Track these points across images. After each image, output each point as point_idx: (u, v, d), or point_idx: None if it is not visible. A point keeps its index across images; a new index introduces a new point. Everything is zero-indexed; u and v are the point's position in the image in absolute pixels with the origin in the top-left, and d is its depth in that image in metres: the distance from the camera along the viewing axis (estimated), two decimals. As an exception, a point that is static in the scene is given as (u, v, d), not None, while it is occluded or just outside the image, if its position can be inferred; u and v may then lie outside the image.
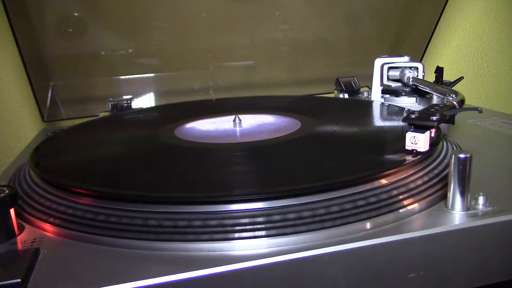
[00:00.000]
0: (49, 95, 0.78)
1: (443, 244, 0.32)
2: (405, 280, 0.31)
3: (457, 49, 1.06)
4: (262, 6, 0.84)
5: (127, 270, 0.28)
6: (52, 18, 0.73)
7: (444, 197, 0.36)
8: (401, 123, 0.50)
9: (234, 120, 0.56)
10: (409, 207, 0.34)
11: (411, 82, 0.62)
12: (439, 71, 0.62)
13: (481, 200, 0.34)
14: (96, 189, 0.36)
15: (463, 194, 0.33)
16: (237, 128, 0.55)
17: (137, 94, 0.83)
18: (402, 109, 0.59)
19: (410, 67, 0.64)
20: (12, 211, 0.33)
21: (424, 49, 0.95)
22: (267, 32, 0.86)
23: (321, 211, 0.32)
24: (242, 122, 0.56)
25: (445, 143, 0.45)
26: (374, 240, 0.30)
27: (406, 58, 0.66)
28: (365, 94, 0.76)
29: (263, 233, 0.30)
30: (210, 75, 0.87)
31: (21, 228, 0.35)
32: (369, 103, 0.67)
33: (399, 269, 0.31)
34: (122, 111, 0.74)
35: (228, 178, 0.39)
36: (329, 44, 0.92)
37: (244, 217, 0.31)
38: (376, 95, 0.67)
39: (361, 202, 0.33)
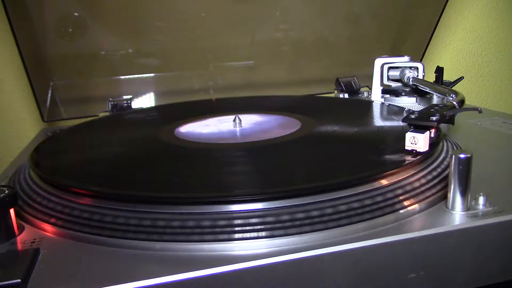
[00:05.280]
0: (49, 95, 0.78)
1: (443, 244, 0.32)
2: (405, 280, 0.31)
3: (457, 49, 1.06)
4: (262, 6, 0.84)
5: (127, 270, 0.28)
6: (52, 18, 0.73)
7: (444, 197, 0.36)
8: (401, 123, 0.49)
9: (234, 120, 0.56)
10: (409, 208, 0.34)
11: (411, 82, 0.62)
12: (439, 71, 0.62)
13: (481, 200, 0.34)
14: (96, 189, 0.36)
15: (463, 194, 0.33)
16: (237, 128, 0.55)
17: (137, 94, 0.83)
18: (402, 109, 0.59)
19: (410, 67, 0.64)
20: (12, 211, 0.33)
21: (424, 49, 0.95)
22: (267, 32, 0.86)
23: (321, 211, 0.32)
24: (242, 122, 0.56)
25: (445, 143, 0.45)
26: (374, 240, 0.30)
27: (406, 58, 0.66)
28: (365, 94, 0.76)
29: (263, 233, 0.30)
30: (210, 75, 0.87)
31: (21, 228, 0.35)
32: (369, 103, 0.67)
33: (399, 269, 0.31)
34: (122, 111, 0.74)
35: (228, 178, 0.39)
36: (329, 44, 0.92)
37: (244, 217, 0.31)
38: (376, 95, 0.67)
39: (361, 203, 0.33)
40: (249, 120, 0.58)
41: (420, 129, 0.40)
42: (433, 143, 0.40)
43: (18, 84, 0.79)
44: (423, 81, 0.60)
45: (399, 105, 0.62)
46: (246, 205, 0.32)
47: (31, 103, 0.79)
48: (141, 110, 0.76)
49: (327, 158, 0.43)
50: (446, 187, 0.36)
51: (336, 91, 0.78)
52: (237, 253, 0.29)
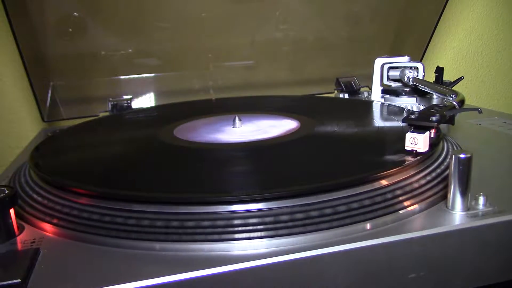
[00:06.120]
0: (49, 95, 0.78)
1: (443, 244, 0.32)
2: (405, 280, 0.31)
3: (457, 49, 1.06)
4: (262, 6, 0.84)
5: (127, 270, 0.28)
6: (52, 18, 0.73)
7: (444, 197, 0.36)
8: (401, 123, 0.49)
9: (234, 120, 0.56)
10: (409, 208, 0.34)
11: (411, 82, 0.62)
12: (439, 71, 0.62)
13: (481, 200, 0.34)
14: (96, 189, 0.36)
15: (463, 194, 0.33)
16: (237, 128, 0.55)
17: (137, 94, 0.83)
18: (402, 109, 0.59)
19: (410, 67, 0.64)
20: (12, 211, 0.33)
21: (424, 49, 0.95)
22: (267, 32, 0.86)
23: (321, 211, 0.32)
24: (242, 122, 0.56)
25: (445, 144, 0.45)
26: (374, 240, 0.30)
27: (406, 58, 0.66)
28: (365, 94, 0.76)
29: (263, 233, 0.30)
30: (210, 75, 0.87)
31: (21, 228, 0.35)
32: (369, 103, 0.67)
33: (399, 269, 0.31)
34: (122, 111, 0.74)
35: (228, 179, 0.39)
36: (329, 44, 0.92)
37: (244, 217, 0.31)
38: (376, 95, 0.67)
39: (361, 203, 0.33)
40: (249, 120, 0.58)
41: (420, 129, 0.40)
42: (433, 143, 0.40)
43: (18, 84, 0.79)
44: (423, 81, 0.60)
45: (399, 105, 0.62)
46: (245, 205, 0.32)
47: (31, 103, 0.79)
48: (141, 110, 0.76)
49: (327, 158, 0.43)
50: (446, 187, 0.36)
51: (336, 91, 0.78)
52: (237, 253, 0.29)
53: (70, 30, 0.75)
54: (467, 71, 1.08)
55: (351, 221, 0.32)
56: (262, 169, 0.41)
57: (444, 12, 0.90)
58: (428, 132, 0.40)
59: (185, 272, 0.27)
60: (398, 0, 0.92)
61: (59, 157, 0.49)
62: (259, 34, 0.86)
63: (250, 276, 0.28)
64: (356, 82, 0.77)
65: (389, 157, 0.41)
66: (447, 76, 0.66)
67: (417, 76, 0.63)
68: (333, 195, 0.33)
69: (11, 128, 0.81)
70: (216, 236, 0.30)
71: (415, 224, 0.32)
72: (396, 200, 0.34)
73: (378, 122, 0.55)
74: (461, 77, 0.66)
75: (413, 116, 0.41)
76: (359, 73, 0.81)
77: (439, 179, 0.38)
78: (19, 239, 0.33)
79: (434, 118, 0.40)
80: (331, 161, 0.41)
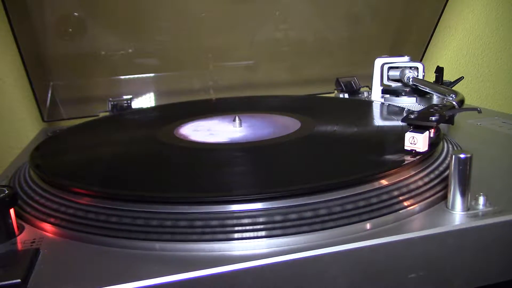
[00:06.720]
0: (49, 95, 0.78)
1: (443, 244, 0.32)
2: (405, 280, 0.31)
3: (457, 49, 1.06)
4: (262, 6, 0.84)
5: (127, 270, 0.28)
6: (52, 18, 0.73)
7: (445, 197, 0.36)
8: (400, 123, 0.49)
9: (234, 120, 0.56)
10: (409, 208, 0.34)
11: (411, 82, 0.62)
12: (439, 71, 0.62)
13: (481, 200, 0.34)
14: (96, 189, 0.36)
15: (463, 194, 0.33)
16: (237, 128, 0.55)
17: (137, 94, 0.83)
18: (402, 109, 0.59)
19: (410, 67, 0.64)
20: (12, 211, 0.33)
21: (424, 49, 0.95)
22: (267, 32, 0.86)
23: (321, 211, 0.32)
24: (242, 122, 0.56)
25: (445, 143, 0.45)
26: (374, 240, 0.30)
27: (406, 58, 0.66)
28: (365, 94, 0.76)
29: (263, 233, 0.30)
30: (210, 75, 0.87)
31: (21, 228, 0.35)
32: (369, 103, 0.67)
33: (399, 269, 0.31)
34: (122, 111, 0.74)
35: (228, 179, 0.39)
36: (329, 44, 0.92)
37: (244, 217, 0.31)
38: (376, 95, 0.67)
39: (361, 203, 0.33)
40: (249, 120, 0.58)
41: (420, 129, 0.40)
42: (433, 143, 0.40)
43: (18, 84, 0.79)
44: (423, 81, 0.60)
45: (399, 105, 0.62)
46: (245, 205, 0.32)
47: (31, 103, 0.79)
48: (141, 110, 0.76)
49: (327, 158, 0.43)
50: (446, 187, 0.36)
51: (336, 91, 0.78)
52: (237, 253, 0.29)
53: (70, 30, 0.75)
54: (467, 71, 1.08)
55: (351, 221, 0.32)
56: (262, 169, 0.41)
57: (444, 12, 0.90)
58: (427, 132, 0.40)
59: (185, 272, 0.27)
60: (398, 0, 0.92)
61: (59, 157, 0.49)
62: (259, 34, 0.86)
63: (250, 276, 0.28)
64: (356, 82, 0.77)
65: (389, 157, 0.41)
66: (447, 76, 0.66)
67: (417, 76, 0.63)
68: (333, 195, 0.33)
69: (11, 128, 0.81)
70: (216, 236, 0.30)
71: (415, 224, 0.32)
72: (396, 200, 0.34)
73: (378, 122, 0.55)
74: (461, 77, 0.66)
75: (412, 116, 0.41)
76: (359, 73, 0.81)
77: (439, 179, 0.38)
78: (19, 239, 0.33)
79: (433, 118, 0.40)
80: (331, 161, 0.41)
